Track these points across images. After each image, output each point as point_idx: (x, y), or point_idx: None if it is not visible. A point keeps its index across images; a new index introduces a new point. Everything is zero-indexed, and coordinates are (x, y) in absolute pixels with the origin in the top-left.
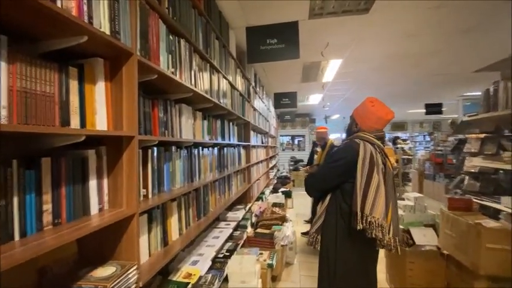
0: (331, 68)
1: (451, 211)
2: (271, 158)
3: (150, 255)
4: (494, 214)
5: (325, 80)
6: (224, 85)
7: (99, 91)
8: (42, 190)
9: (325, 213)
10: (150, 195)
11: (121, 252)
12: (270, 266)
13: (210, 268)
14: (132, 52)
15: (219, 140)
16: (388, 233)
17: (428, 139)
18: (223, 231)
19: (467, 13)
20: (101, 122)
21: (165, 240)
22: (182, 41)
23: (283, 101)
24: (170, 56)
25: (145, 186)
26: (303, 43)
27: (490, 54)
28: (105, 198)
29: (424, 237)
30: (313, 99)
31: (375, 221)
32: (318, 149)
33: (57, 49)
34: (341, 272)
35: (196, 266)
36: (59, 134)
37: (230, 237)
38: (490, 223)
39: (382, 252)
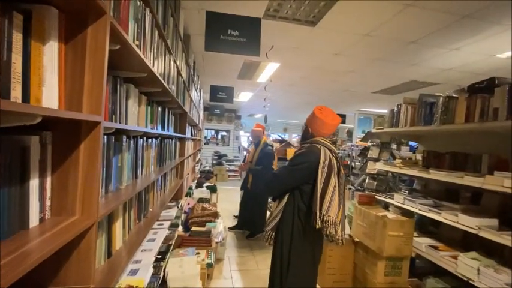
0: (268, 70)
1: (361, 205)
2: (197, 151)
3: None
4: (386, 207)
5: (260, 80)
6: (173, 69)
7: (49, 54)
8: None
9: (282, 212)
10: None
11: (69, 274)
12: (209, 265)
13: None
14: (104, 10)
15: (160, 130)
16: (338, 227)
17: None
18: (159, 232)
19: (380, 46)
20: (48, 98)
21: (109, 251)
22: (147, 10)
23: (220, 94)
24: (136, 25)
25: None
26: None
27: (385, 81)
28: (47, 203)
29: None
30: (243, 96)
31: (330, 220)
32: (251, 147)
33: None
34: (294, 267)
35: (137, 275)
36: None
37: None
38: (390, 215)
39: None
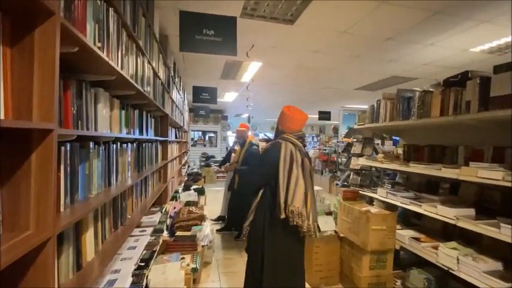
0: (251, 69)
1: (346, 201)
2: (183, 153)
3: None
4: (370, 201)
5: (244, 79)
6: (148, 71)
7: None
8: None
9: (256, 207)
10: (62, 208)
11: None
12: (195, 270)
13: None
14: (53, 11)
15: (137, 135)
16: (308, 220)
17: (316, 140)
18: (140, 239)
19: (358, 43)
20: None
21: (78, 263)
22: (111, 10)
23: (203, 95)
24: (97, 26)
25: (56, 196)
26: None
27: (365, 77)
28: None
29: (326, 224)
30: (228, 96)
31: (295, 210)
32: (237, 147)
33: None
34: (269, 259)
35: (115, 286)
36: None
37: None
38: (373, 209)
39: None
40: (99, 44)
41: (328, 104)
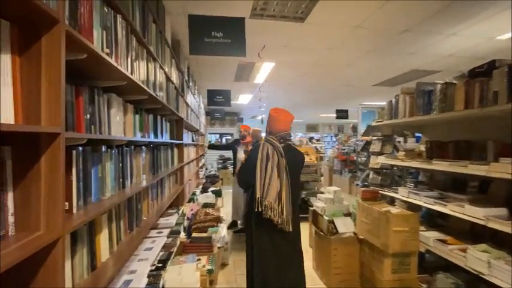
0: (264, 70)
1: (364, 201)
2: (200, 156)
3: (74, 286)
4: (391, 201)
5: (257, 81)
6: (160, 76)
7: (2, 67)
8: None
9: (247, 201)
10: (74, 210)
11: None
12: (210, 271)
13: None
14: (58, 19)
15: (152, 138)
16: (282, 214)
17: (334, 139)
18: (156, 240)
19: (373, 37)
20: (4, 112)
21: (93, 264)
22: (119, 17)
23: (217, 98)
24: (105, 32)
25: (68, 198)
26: None
27: (384, 72)
28: (10, 219)
29: (344, 226)
30: (243, 98)
31: (268, 204)
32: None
33: None
34: (256, 249)
35: (130, 286)
36: None
37: (162, 245)
38: (393, 210)
39: (303, 243)
40: (107, 50)
41: (346, 102)
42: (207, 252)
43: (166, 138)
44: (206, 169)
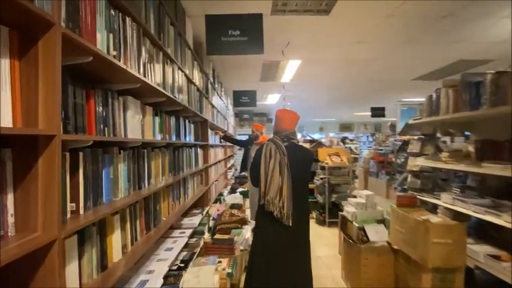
0: (290, 68)
1: (400, 207)
2: (229, 157)
3: (81, 286)
4: (433, 208)
5: (284, 80)
6: (180, 78)
7: (2, 72)
8: None
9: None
10: (81, 211)
11: None
12: (230, 275)
13: (162, 285)
14: (52, 22)
15: (174, 139)
16: (282, 209)
17: (371, 139)
18: (178, 241)
19: (408, 25)
20: (4, 116)
21: (103, 264)
22: (128, 20)
23: (243, 99)
24: (111, 35)
25: (75, 199)
26: (265, 40)
27: (424, 65)
28: (10, 220)
29: (376, 234)
30: (271, 98)
31: (270, 199)
32: None
33: None
34: (260, 240)
35: (145, 287)
36: None
37: (185, 245)
38: (434, 218)
39: (333, 249)
40: (115, 53)
41: (383, 99)
42: (228, 255)
43: (190, 139)
44: (236, 170)
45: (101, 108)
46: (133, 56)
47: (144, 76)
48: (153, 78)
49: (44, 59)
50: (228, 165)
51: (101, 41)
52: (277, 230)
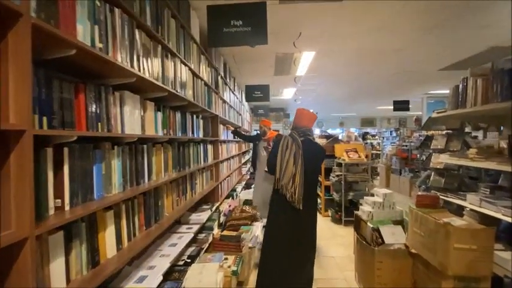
0: (304, 61)
1: (419, 208)
2: (244, 153)
3: (69, 282)
4: (458, 210)
5: (298, 73)
6: (183, 72)
7: None
8: None
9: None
10: (67, 207)
11: None
12: (235, 273)
13: (164, 281)
14: (20, 12)
15: (179, 135)
16: (294, 194)
17: (395, 135)
18: (183, 236)
19: (434, 9)
20: None
21: (94, 260)
22: (117, 11)
23: (256, 94)
24: (97, 27)
25: (60, 196)
26: (275, 32)
27: (452, 53)
28: None
29: (392, 236)
30: (287, 93)
31: (284, 184)
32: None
33: None
34: (270, 219)
35: (143, 283)
36: None
37: (193, 241)
38: (457, 221)
39: (348, 250)
40: (101, 45)
41: (407, 91)
42: (235, 252)
43: (198, 135)
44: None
45: (93, 102)
46: (124, 49)
47: (139, 70)
48: (149, 73)
49: (13, 51)
50: (243, 160)
51: (83, 33)
52: (288, 215)
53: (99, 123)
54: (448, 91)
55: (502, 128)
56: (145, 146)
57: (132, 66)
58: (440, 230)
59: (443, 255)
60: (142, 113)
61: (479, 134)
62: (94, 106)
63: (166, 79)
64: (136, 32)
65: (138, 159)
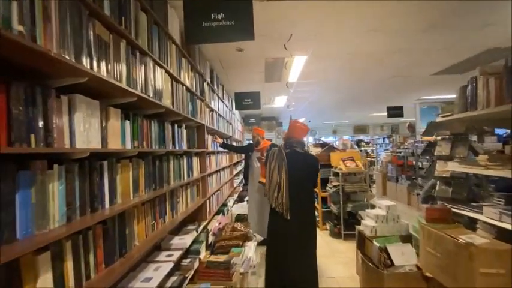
0: (296, 66)
1: (431, 224)
2: (235, 164)
3: None
4: (469, 222)
5: (290, 79)
6: (158, 75)
7: None
8: None
9: None
10: None
11: None
12: None
13: None
14: None
15: (156, 147)
16: (281, 204)
17: (387, 141)
18: (162, 267)
19: (430, 8)
20: None
21: None
22: None
23: (246, 101)
24: (15, 3)
25: None
26: (264, 34)
27: (448, 56)
28: None
29: (402, 256)
30: (279, 101)
31: (270, 195)
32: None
33: None
34: (269, 231)
35: None
36: None
37: (177, 268)
38: (476, 239)
39: (350, 268)
40: (21, 28)
41: (400, 97)
42: (224, 281)
43: (181, 146)
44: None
45: (22, 108)
46: (65, 39)
47: (91, 68)
48: (108, 72)
49: None
50: (235, 171)
51: None
52: (283, 223)
53: (32, 135)
54: (440, 96)
55: (505, 131)
56: (104, 163)
57: (78, 61)
58: (462, 252)
59: (467, 281)
60: (104, 123)
61: (473, 139)
62: (23, 113)
63: (134, 81)
64: (86, 19)
65: (94, 180)
